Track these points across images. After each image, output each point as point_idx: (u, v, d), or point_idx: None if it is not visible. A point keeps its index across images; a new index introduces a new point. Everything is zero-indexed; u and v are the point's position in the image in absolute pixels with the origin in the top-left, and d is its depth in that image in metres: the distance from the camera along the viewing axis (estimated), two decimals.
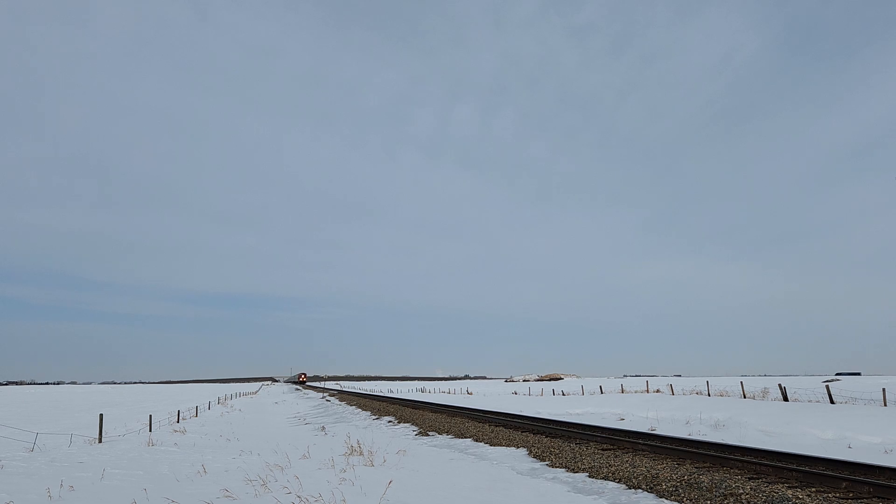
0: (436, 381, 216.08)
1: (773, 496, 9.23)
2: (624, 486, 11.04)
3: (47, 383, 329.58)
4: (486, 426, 22.84)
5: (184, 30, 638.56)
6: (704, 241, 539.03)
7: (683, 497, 9.81)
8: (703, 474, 11.26)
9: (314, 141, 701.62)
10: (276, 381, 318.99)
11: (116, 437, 20.03)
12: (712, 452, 13.41)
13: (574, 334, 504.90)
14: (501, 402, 46.19)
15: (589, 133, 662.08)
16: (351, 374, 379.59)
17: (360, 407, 42.61)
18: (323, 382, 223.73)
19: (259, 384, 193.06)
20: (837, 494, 9.41)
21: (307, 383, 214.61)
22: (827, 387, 29.36)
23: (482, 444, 18.09)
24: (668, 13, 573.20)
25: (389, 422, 28.45)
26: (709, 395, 33.59)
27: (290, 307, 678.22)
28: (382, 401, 49.98)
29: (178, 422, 27.15)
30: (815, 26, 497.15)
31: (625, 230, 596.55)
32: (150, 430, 21.08)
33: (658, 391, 39.43)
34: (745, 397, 30.12)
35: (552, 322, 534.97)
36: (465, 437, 19.97)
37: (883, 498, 9.11)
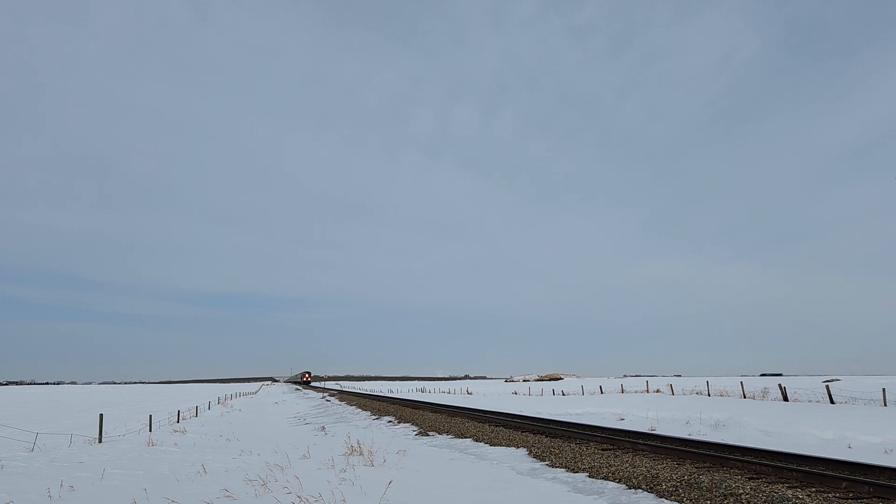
0: (436, 381, 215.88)
1: (773, 496, 9.23)
2: (624, 486, 11.04)
3: (47, 383, 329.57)
4: (486, 426, 22.84)
5: (184, 30, 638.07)
6: (704, 241, 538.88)
7: (683, 497, 9.81)
8: (703, 474, 11.26)
9: (314, 141, 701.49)
10: (277, 381, 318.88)
11: (116, 437, 20.04)
12: (712, 452, 13.41)
13: (574, 334, 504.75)
14: (501, 402, 46.18)
15: (589, 133, 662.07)
16: (351, 374, 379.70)
17: (360, 407, 42.61)
18: (323, 382, 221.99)
19: (259, 384, 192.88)
20: (837, 494, 9.41)
21: (312, 383, 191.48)
22: (827, 387, 29.36)
23: (482, 444, 18.09)
24: (668, 13, 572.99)
25: (389, 422, 28.45)
26: (709, 395, 33.59)
27: (290, 307, 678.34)
28: (382, 401, 49.97)
29: (178, 422, 27.14)
30: (816, 26, 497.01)
31: (625, 230, 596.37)
32: (150, 430, 21.08)
33: (658, 391, 39.43)
34: (745, 397, 30.12)
35: (552, 322, 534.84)
36: (465, 437, 19.97)
37: (883, 498, 9.11)
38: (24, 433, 20.03)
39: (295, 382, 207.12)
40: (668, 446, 14.58)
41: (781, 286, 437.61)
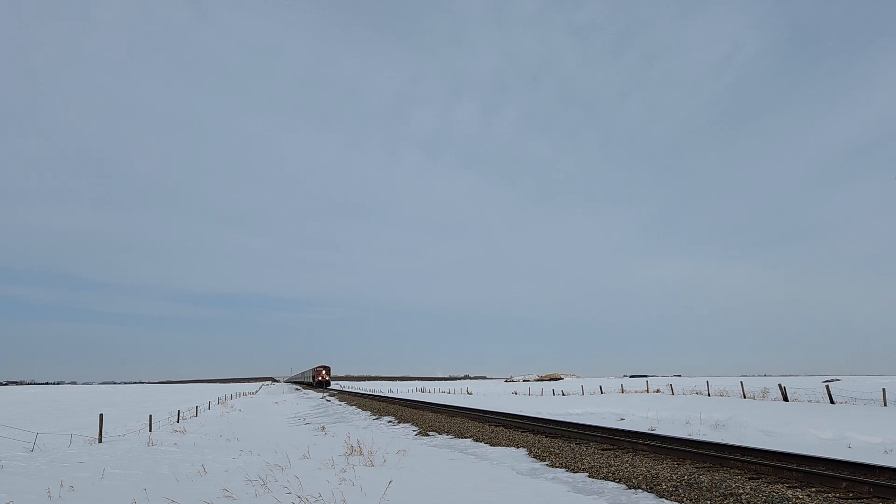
0: (436, 381, 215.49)
1: (773, 496, 9.23)
2: (624, 486, 11.04)
3: (47, 383, 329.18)
4: (486, 426, 22.84)
5: (184, 29, 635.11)
6: (705, 241, 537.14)
7: (683, 497, 9.81)
8: (703, 474, 11.26)
9: (314, 141, 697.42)
10: (277, 380, 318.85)
11: (116, 437, 20.04)
12: (712, 452, 13.41)
13: (574, 334, 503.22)
14: (501, 402, 46.19)
15: (590, 132, 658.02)
16: (351, 375, 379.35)
17: (359, 407, 42.61)
18: None
19: (259, 384, 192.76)
20: (837, 494, 9.41)
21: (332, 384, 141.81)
22: (827, 387, 29.37)
23: (482, 444, 18.09)
24: (670, 12, 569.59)
25: (389, 422, 28.46)
26: (709, 395, 33.59)
27: (290, 307, 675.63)
28: (382, 401, 49.97)
29: (178, 422, 27.15)
30: (818, 25, 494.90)
31: (626, 230, 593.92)
32: (150, 431, 21.08)
33: (658, 391, 39.42)
34: (745, 397, 30.13)
35: (552, 322, 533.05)
36: (465, 437, 19.98)
37: (883, 498, 9.11)
38: (24, 433, 20.01)
39: (299, 383, 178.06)
40: (668, 446, 14.59)
41: (781, 286, 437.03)
